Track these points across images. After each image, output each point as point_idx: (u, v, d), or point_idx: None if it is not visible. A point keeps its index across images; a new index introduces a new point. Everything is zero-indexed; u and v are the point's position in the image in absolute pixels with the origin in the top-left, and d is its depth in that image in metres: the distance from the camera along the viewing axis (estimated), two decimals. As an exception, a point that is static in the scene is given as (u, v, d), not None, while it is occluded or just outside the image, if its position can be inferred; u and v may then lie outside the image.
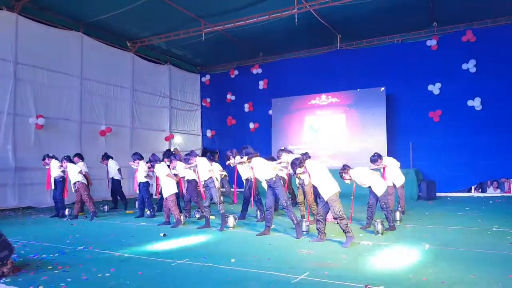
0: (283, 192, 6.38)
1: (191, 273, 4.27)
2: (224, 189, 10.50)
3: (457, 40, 13.01)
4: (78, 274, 4.20)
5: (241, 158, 6.82)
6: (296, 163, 5.89)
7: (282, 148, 7.84)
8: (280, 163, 7.39)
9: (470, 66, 12.71)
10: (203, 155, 13.37)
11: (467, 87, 12.84)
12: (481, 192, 12.66)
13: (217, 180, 7.44)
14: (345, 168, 6.62)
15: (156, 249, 5.51)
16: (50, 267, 4.50)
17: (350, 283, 3.72)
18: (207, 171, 7.23)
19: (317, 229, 5.83)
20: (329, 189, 5.61)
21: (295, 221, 6.16)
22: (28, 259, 4.91)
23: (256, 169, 6.55)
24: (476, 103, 12.59)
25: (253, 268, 4.33)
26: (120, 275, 4.13)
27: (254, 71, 16.71)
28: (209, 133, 17.95)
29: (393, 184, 8.11)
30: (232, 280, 3.97)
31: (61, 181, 8.98)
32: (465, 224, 7.19)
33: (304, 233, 6.42)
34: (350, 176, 6.57)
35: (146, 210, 8.94)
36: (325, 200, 5.63)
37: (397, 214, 7.57)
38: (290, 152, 7.56)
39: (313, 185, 6.52)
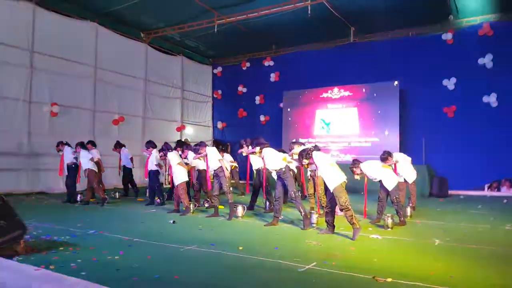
0: (292, 183, 6.39)
1: (199, 258, 4.30)
2: (233, 181, 10.53)
3: (473, 34, 12.75)
4: (88, 255, 4.26)
5: (253, 148, 6.85)
6: (303, 154, 5.89)
7: (294, 140, 7.86)
8: (291, 155, 7.40)
9: (486, 61, 12.45)
10: (215, 147, 13.43)
11: (482, 82, 12.58)
12: (496, 190, 12.43)
13: (227, 170, 7.47)
14: (356, 162, 6.58)
15: (165, 235, 5.56)
16: (62, 248, 4.58)
17: (357, 274, 3.70)
18: (216, 160, 7.26)
19: (326, 221, 5.82)
20: (335, 180, 5.58)
21: (302, 213, 6.17)
22: (40, 240, 5.01)
23: (267, 159, 6.56)
24: (492, 99, 12.35)
25: (261, 256, 4.34)
26: (129, 258, 4.18)
27: (266, 63, 16.66)
28: (219, 125, 17.99)
29: (404, 180, 8.04)
30: (239, 266, 4.00)
31: (74, 168, 9.09)
32: (477, 222, 7.09)
33: (313, 225, 6.41)
34: (361, 171, 6.53)
35: (156, 198, 9.02)
36: (331, 191, 5.61)
37: (408, 210, 7.50)
38: (302, 144, 7.56)
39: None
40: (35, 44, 10.92)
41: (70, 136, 10.84)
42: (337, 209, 5.92)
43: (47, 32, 11.20)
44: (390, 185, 6.61)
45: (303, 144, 7.69)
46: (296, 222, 6.63)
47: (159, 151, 8.69)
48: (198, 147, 7.55)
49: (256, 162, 8.12)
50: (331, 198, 5.72)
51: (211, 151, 7.41)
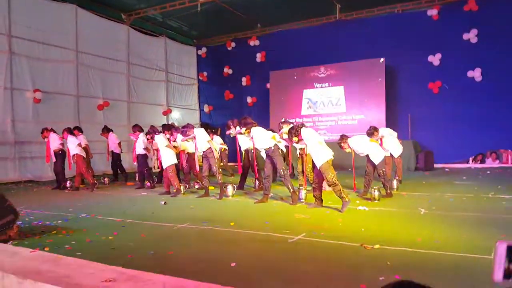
0: (281, 160, 6.46)
1: (192, 235, 4.38)
2: (222, 163, 10.57)
3: (458, 9, 12.84)
4: (82, 237, 4.30)
5: (240, 129, 6.87)
6: (292, 132, 5.98)
7: (283, 120, 7.91)
8: (281, 134, 7.46)
9: (471, 36, 12.60)
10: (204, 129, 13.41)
11: (467, 57, 12.76)
12: (480, 163, 12.76)
13: (216, 151, 7.50)
14: (343, 137, 6.72)
15: (157, 215, 5.62)
16: (54, 232, 4.60)
17: (346, 242, 3.82)
18: (205, 141, 7.29)
19: (314, 196, 5.94)
20: (321, 156, 5.68)
21: (291, 189, 6.29)
22: (32, 226, 5.02)
23: (256, 138, 6.61)
24: (476, 73, 12.54)
25: (252, 230, 4.44)
26: (123, 238, 4.23)
27: (252, 43, 16.52)
28: (206, 108, 17.91)
29: (391, 154, 8.19)
30: (231, 240, 4.09)
31: (61, 154, 9.03)
32: (462, 191, 7.30)
33: (302, 200, 6.54)
34: (349, 146, 6.66)
35: (146, 181, 9.04)
36: (318, 168, 5.72)
37: (394, 183, 7.67)
38: (291, 123, 7.59)
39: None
40: (12, 28, 10.64)
41: (55, 122, 10.75)
42: (325, 184, 6.04)
43: (25, 15, 10.91)
44: (376, 159, 6.74)
45: (292, 123, 7.72)
46: (285, 199, 6.73)
47: (146, 134, 8.68)
48: (185, 129, 7.54)
49: (244, 143, 8.17)
50: (318, 174, 5.83)
51: (199, 133, 7.43)
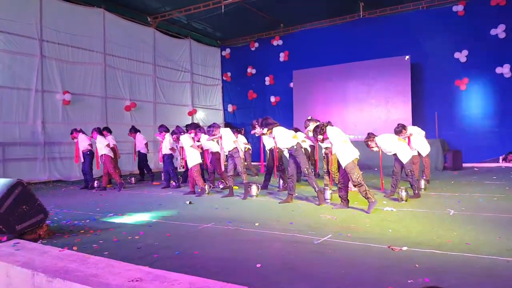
0: (304, 160, 6.40)
1: (217, 234, 4.40)
2: (246, 163, 10.57)
3: (485, 4, 12.46)
4: (109, 237, 4.38)
5: (262, 130, 6.83)
6: (317, 130, 5.92)
7: (309, 117, 7.79)
8: (307, 132, 7.40)
9: (499, 31, 12.22)
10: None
11: (495, 53, 12.38)
12: (510, 161, 12.33)
13: (241, 151, 7.50)
14: (370, 136, 6.58)
15: (183, 215, 5.67)
16: (82, 232, 4.71)
17: (373, 244, 3.76)
18: (231, 141, 7.28)
19: (340, 196, 5.86)
20: (347, 156, 5.61)
21: (316, 188, 6.22)
22: (61, 225, 5.15)
23: (278, 138, 6.58)
24: (504, 70, 12.14)
25: (277, 231, 4.42)
26: (149, 237, 4.29)
27: (275, 42, 16.51)
28: (230, 108, 18.00)
29: (418, 153, 8.02)
30: (256, 240, 4.08)
31: (89, 154, 9.22)
32: (492, 192, 7.06)
33: (327, 200, 6.46)
34: (376, 144, 6.53)
35: (172, 181, 9.16)
36: (343, 168, 5.64)
37: (422, 183, 7.51)
38: (317, 121, 7.49)
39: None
40: (44, 33, 10.97)
41: (84, 123, 11.08)
42: (351, 184, 5.95)
43: (55, 19, 11.22)
44: (405, 158, 6.59)
45: (318, 120, 7.62)
46: (310, 199, 6.69)
47: (172, 134, 8.76)
48: (212, 129, 7.52)
49: (268, 142, 8.15)
50: (344, 174, 5.75)
51: (225, 132, 7.42)
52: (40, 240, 4.24)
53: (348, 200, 5.83)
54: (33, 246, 3.83)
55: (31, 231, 4.27)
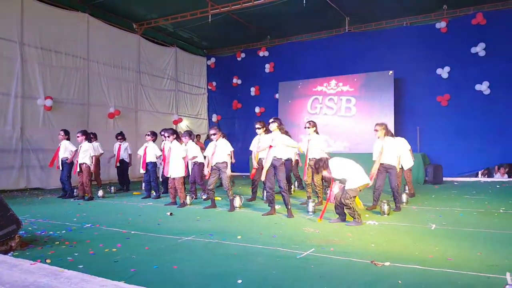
0: (284, 175, 6.32)
1: (198, 248, 4.29)
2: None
3: (467, 23, 12.79)
4: (85, 249, 4.23)
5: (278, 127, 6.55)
6: (320, 164, 5.79)
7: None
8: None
9: (479, 49, 12.52)
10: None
11: (475, 71, 12.67)
12: (488, 177, 12.56)
13: (229, 167, 7.15)
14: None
15: (163, 226, 5.54)
16: (57, 243, 4.54)
17: (355, 259, 3.72)
18: (225, 154, 7.06)
19: (337, 213, 5.79)
20: (354, 183, 5.58)
21: (289, 206, 6.23)
22: (35, 236, 4.96)
23: (281, 143, 6.33)
24: (483, 87, 12.45)
25: (259, 244, 4.34)
26: (127, 250, 4.16)
27: (261, 53, 16.55)
28: (214, 118, 17.90)
29: (401, 166, 8.07)
30: (238, 254, 3.99)
31: (68, 164, 8.97)
32: (472, 206, 7.15)
33: (311, 213, 6.43)
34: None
35: (153, 191, 8.97)
36: (345, 189, 5.61)
37: (404, 197, 7.54)
38: (281, 123, 7.11)
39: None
40: (25, 36, 10.71)
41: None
42: (333, 197, 5.93)
43: (37, 23, 10.95)
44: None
45: (282, 123, 7.10)
46: (294, 212, 6.61)
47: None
48: (214, 135, 7.19)
49: (261, 150, 7.85)
50: (338, 194, 5.72)
51: (223, 143, 7.16)
52: (11, 252, 4.06)
53: (345, 214, 5.72)
54: (2, 258, 3.64)
55: (2, 242, 4.09)
